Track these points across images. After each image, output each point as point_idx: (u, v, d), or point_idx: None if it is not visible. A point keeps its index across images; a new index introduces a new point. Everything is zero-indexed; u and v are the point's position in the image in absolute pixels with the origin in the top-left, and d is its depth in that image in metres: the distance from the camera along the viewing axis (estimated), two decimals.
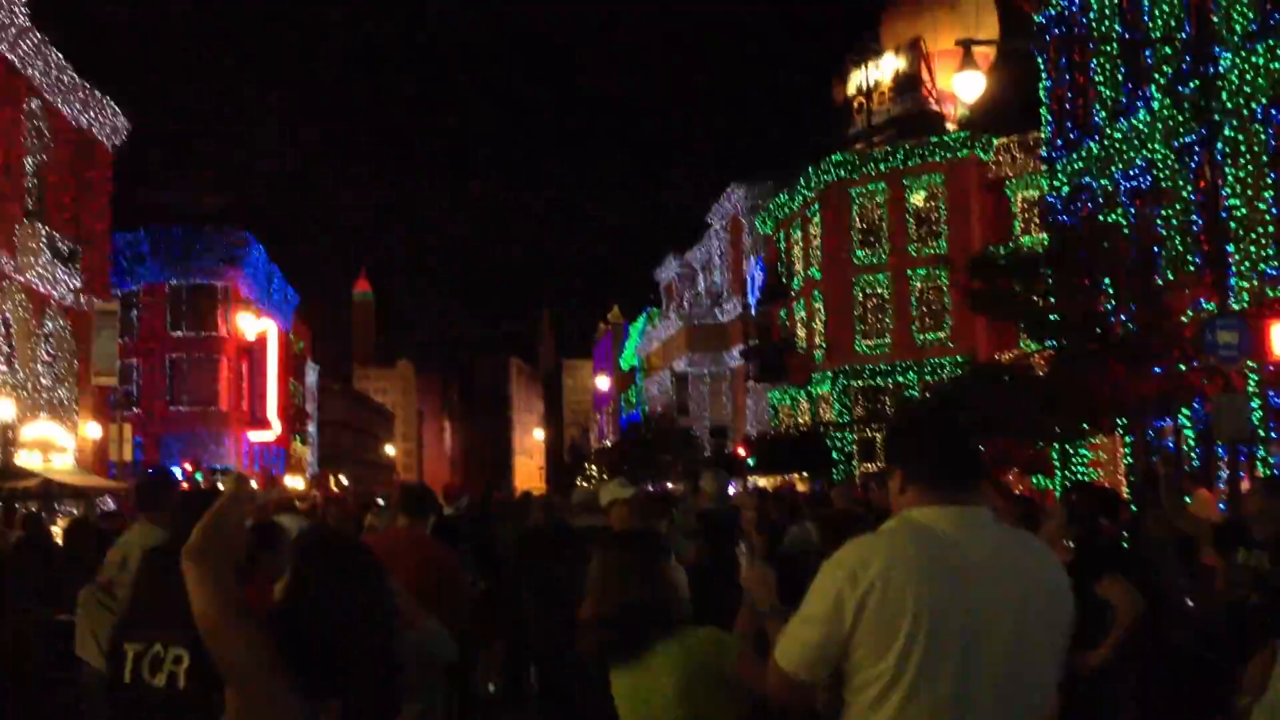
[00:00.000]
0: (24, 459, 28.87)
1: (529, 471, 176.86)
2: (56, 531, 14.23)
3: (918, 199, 41.42)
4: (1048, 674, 2.84)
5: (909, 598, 2.71)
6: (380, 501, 15.35)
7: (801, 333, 45.99)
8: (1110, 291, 21.34)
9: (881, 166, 41.70)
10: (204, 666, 3.58)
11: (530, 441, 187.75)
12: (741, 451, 45.26)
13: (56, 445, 31.51)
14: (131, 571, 6.35)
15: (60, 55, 32.21)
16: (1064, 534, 6.89)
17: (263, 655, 2.83)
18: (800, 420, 45.21)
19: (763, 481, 39.54)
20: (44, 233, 31.31)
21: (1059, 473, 25.69)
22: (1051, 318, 21.71)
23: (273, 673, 2.82)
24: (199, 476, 42.96)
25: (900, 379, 40.56)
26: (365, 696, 2.93)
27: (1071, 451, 25.28)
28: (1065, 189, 27.56)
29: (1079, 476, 24.18)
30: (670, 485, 39.88)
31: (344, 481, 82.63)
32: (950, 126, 42.72)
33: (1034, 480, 27.10)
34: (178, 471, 45.61)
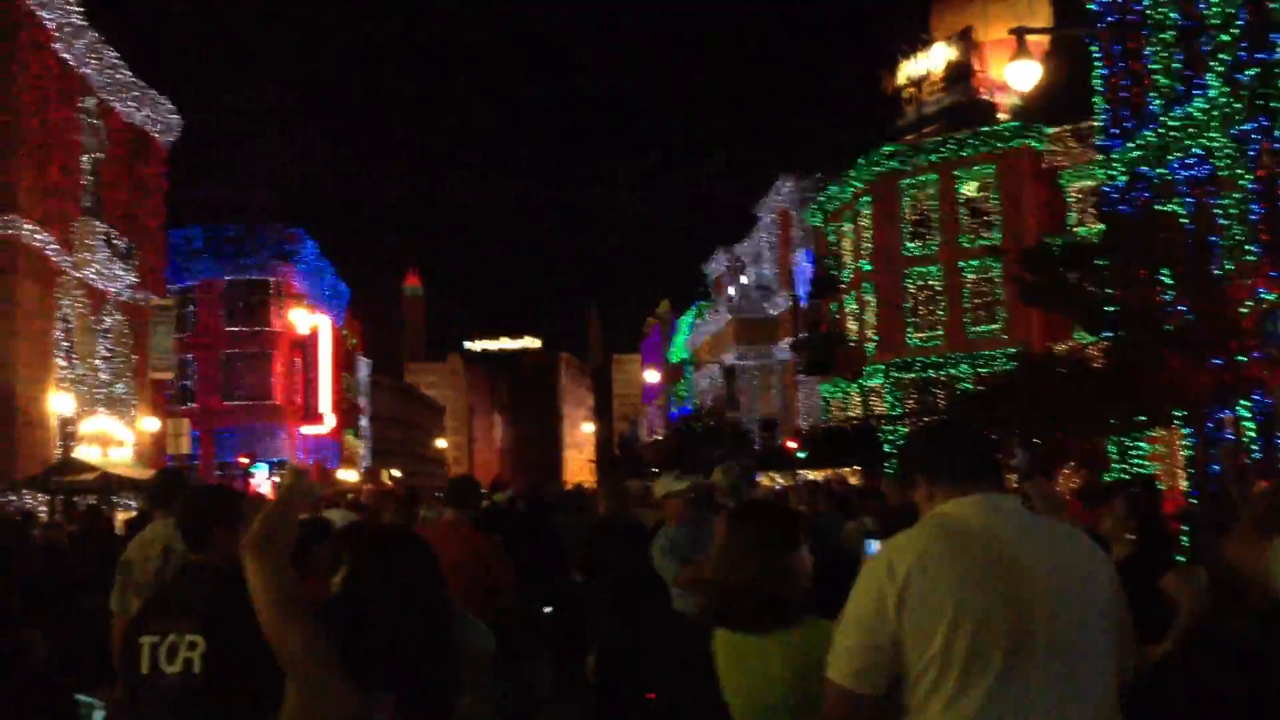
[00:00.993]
0: (83, 453, 29.32)
1: (578, 465, 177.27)
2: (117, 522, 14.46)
3: (970, 190, 41.03)
4: (1101, 651, 2.81)
5: (948, 582, 2.73)
6: (438, 495, 15.44)
7: (852, 325, 45.74)
8: (1167, 282, 21.06)
9: (932, 157, 41.34)
10: (220, 652, 3.62)
11: (580, 435, 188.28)
12: (792, 445, 45.10)
13: (115, 439, 31.97)
14: (143, 565, 6.27)
15: (115, 53, 32.63)
16: (1126, 527, 6.81)
17: (320, 646, 2.85)
18: (852, 413, 44.96)
19: (813, 475, 39.39)
20: (101, 230, 31.75)
21: (1116, 467, 25.38)
22: (1107, 309, 21.45)
23: (330, 664, 2.84)
24: (255, 469, 43.46)
25: (952, 371, 40.23)
26: (421, 688, 2.94)
27: (1129, 445, 24.96)
28: (1121, 178, 27.18)
29: (1136, 470, 23.88)
30: None
31: (396, 475, 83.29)
32: (1002, 116, 42.29)
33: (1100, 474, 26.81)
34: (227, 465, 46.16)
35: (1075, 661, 2.76)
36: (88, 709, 3.11)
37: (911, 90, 43.97)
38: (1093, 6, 27.94)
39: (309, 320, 54.28)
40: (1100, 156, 29.41)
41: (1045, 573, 2.78)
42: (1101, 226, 27.22)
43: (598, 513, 10.67)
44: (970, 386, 37.56)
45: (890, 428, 40.74)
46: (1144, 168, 26.16)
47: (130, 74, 33.93)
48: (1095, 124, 31.31)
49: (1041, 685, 2.72)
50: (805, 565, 3.48)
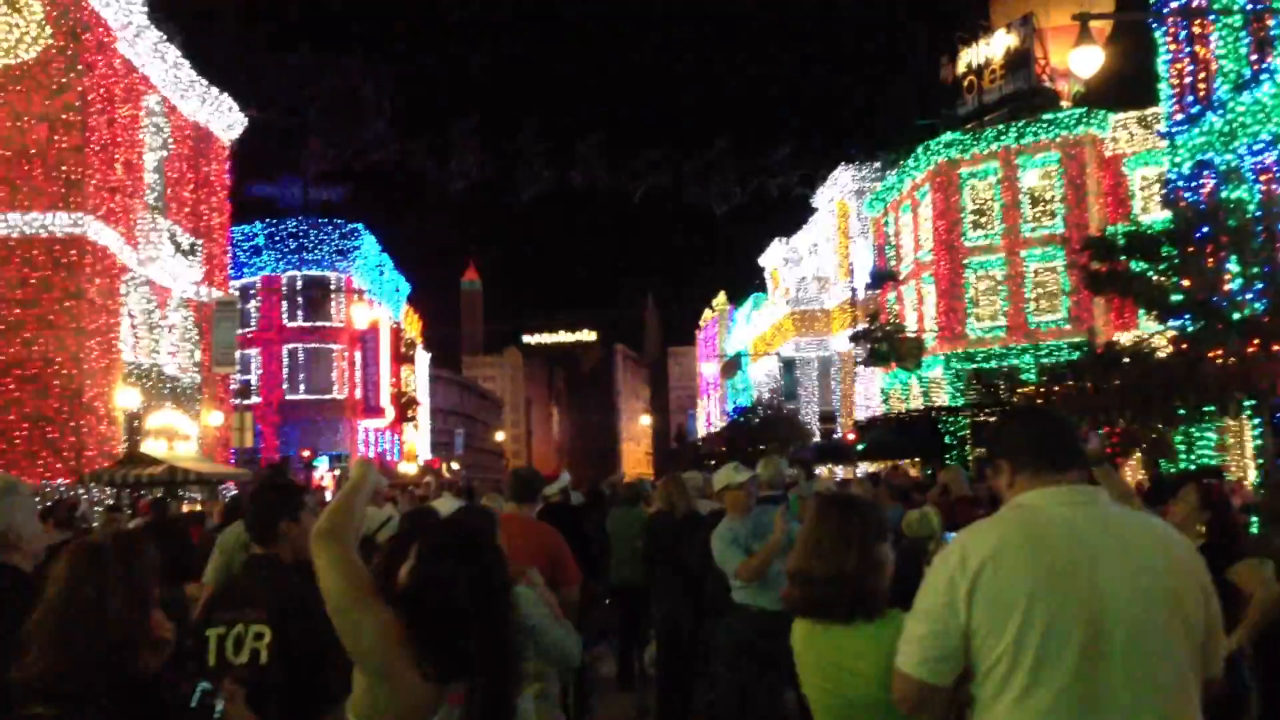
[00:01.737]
0: (149, 446, 29.79)
1: (636, 458, 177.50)
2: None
3: (1032, 178, 40.53)
4: (1182, 651, 2.75)
5: (1021, 577, 2.69)
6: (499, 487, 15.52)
7: (911, 316, 45.38)
8: (1235, 270, 20.72)
9: (993, 146, 40.88)
10: (287, 642, 3.65)
11: (637, 428, 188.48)
12: (851, 437, 44.85)
13: (180, 433, 32.43)
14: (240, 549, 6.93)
15: (178, 52, 33.06)
16: (1196, 519, 6.70)
17: (391, 637, 2.86)
18: (911, 405, 44.61)
19: (872, 468, 39.14)
20: (165, 227, 32.21)
21: (1183, 457, 25.01)
22: (1174, 298, 21.16)
23: (401, 655, 2.85)
24: (316, 463, 43.95)
25: (1014, 362, 39.78)
26: (490, 678, 2.94)
27: (1196, 435, 24.60)
28: (1186, 165, 26.77)
29: (1204, 461, 23.52)
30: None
31: (455, 468, 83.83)
32: (1064, 104, 41.73)
33: (1160, 466, 26.41)
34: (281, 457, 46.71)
35: (1155, 662, 2.70)
36: (208, 694, 3.16)
37: (972, 78, 43.50)
38: None
39: (369, 315, 54.77)
40: (1165, 143, 28.98)
41: (1126, 569, 2.72)
42: (1167, 214, 26.83)
43: (655, 506, 10.69)
44: (1033, 377, 37.15)
45: (950, 419, 40.39)
46: (1210, 154, 25.75)
47: (193, 72, 34.36)
48: (1159, 110, 30.87)
49: (1117, 685, 2.66)
50: (890, 557, 3.46)
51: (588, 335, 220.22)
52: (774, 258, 68.86)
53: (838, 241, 56.40)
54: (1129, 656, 2.67)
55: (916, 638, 2.83)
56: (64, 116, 26.88)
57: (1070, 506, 2.83)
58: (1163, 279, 21.63)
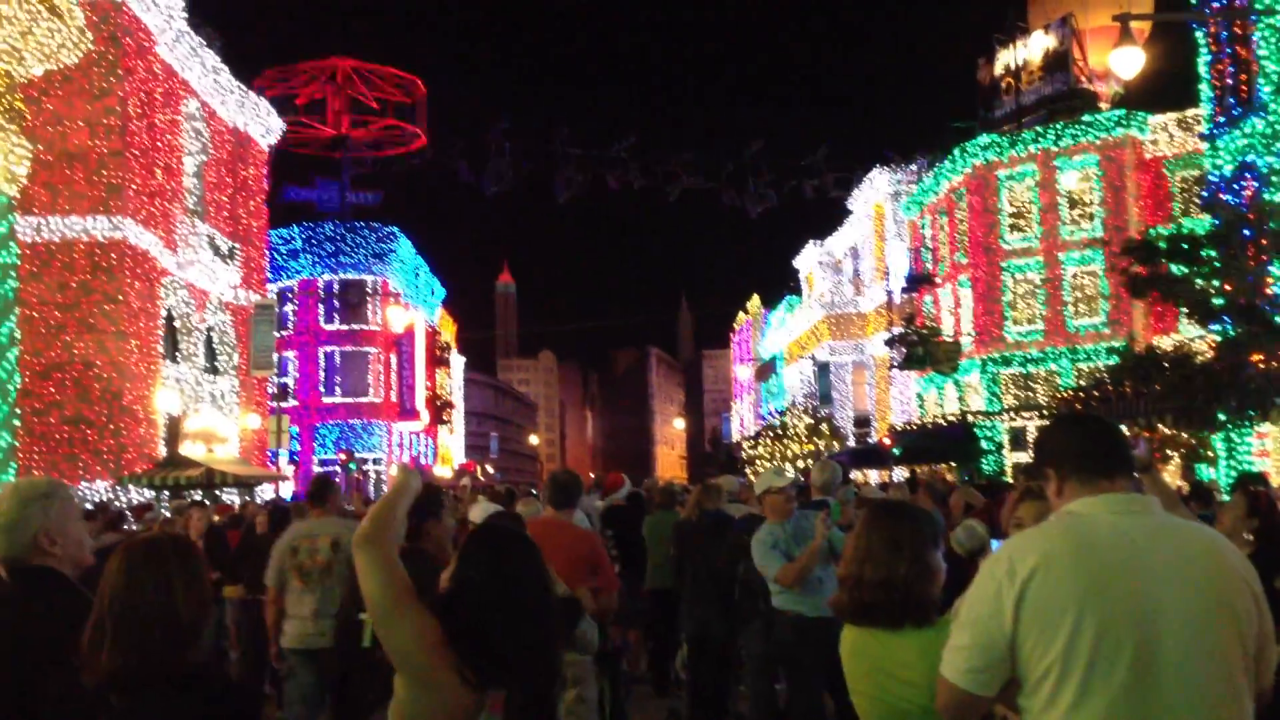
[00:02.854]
0: (188, 449, 29.99)
1: (670, 461, 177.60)
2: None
3: (1070, 181, 40.23)
4: (1235, 662, 2.70)
5: (1070, 586, 2.65)
6: (534, 491, 15.53)
7: (948, 320, 45.14)
8: (1277, 273, 20.49)
9: (1031, 148, 40.60)
10: None
11: (671, 431, 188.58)
12: (887, 441, 44.65)
13: (218, 436, 32.64)
14: (307, 556, 7.72)
15: (217, 57, 33.32)
16: (1244, 525, 6.61)
17: (432, 642, 2.85)
18: (947, 409, 44.37)
19: (908, 473, 38.97)
20: (204, 231, 32.46)
21: (1224, 462, 24.74)
22: (1216, 301, 20.94)
23: (443, 660, 2.85)
24: (352, 467, 44.17)
25: (1053, 366, 39.49)
26: (529, 683, 2.93)
27: (1237, 440, 24.33)
28: (1228, 167, 26.49)
29: (1245, 466, 23.25)
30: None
31: (490, 471, 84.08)
32: (1103, 105, 41.41)
33: (1197, 471, 26.15)
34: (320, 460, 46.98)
35: (1207, 673, 2.65)
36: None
37: (1009, 80, 43.23)
38: None
39: (405, 318, 54.98)
40: (1206, 145, 28.70)
41: (1178, 579, 2.68)
42: (1207, 217, 26.56)
43: (685, 512, 10.67)
44: (1071, 381, 36.88)
45: (987, 424, 40.16)
46: (1252, 156, 25.46)
47: (232, 77, 34.62)
48: (1200, 112, 30.56)
49: (1170, 696, 2.62)
50: (942, 565, 3.44)
51: (622, 338, 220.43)
52: (809, 260, 68.65)
53: (873, 244, 56.18)
54: (1181, 667, 2.63)
55: (961, 646, 2.80)
56: (104, 121, 27.12)
57: (1121, 515, 2.78)
58: (1204, 282, 21.42)
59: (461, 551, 3.10)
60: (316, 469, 47.81)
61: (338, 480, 27.52)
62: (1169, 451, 26.73)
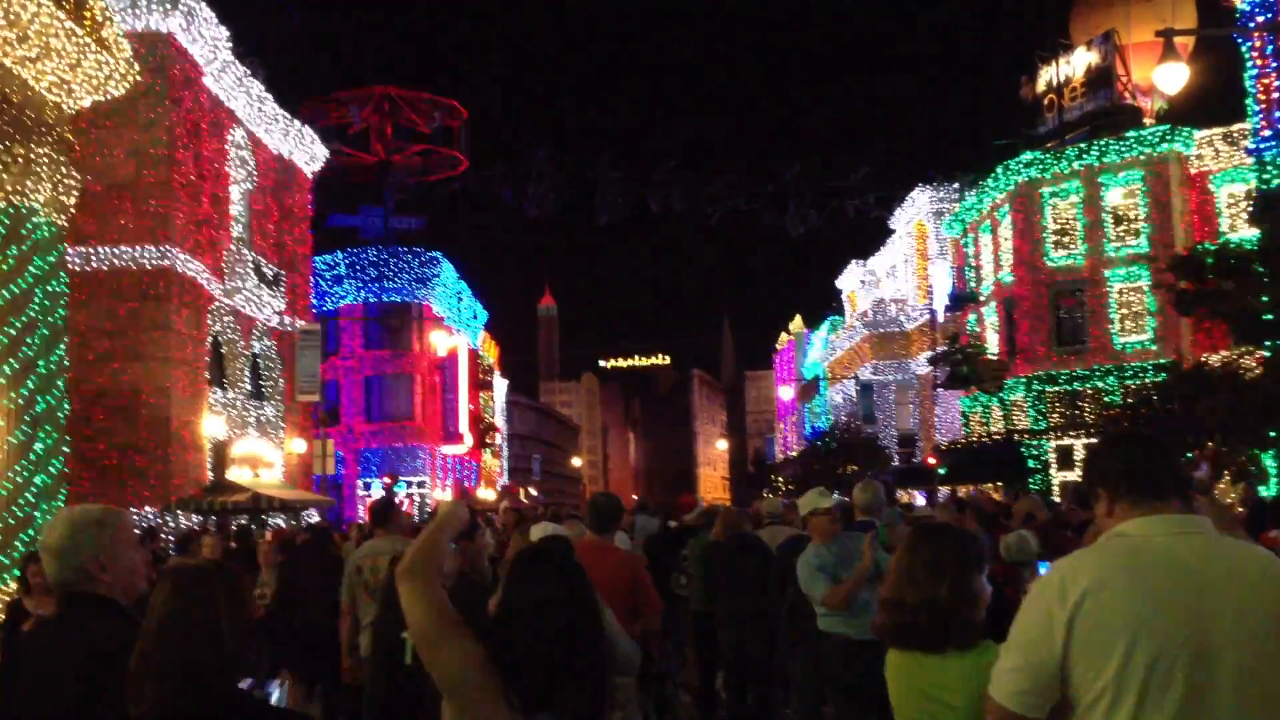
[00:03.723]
0: (234, 474, 30.26)
1: (713, 482, 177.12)
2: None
3: (1115, 197, 39.89)
4: None
5: (1123, 609, 2.61)
6: (575, 515, 15.54)
7: (992, 338, 44.82)
8: None
9: (1075, 165, 40.32)
10: None
11: (713, 452, 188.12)
12: (932, 461, 44.35)
13: (264, 460, 32.90)
14: (370, 574, 8.01)
15: (261, 87, 33.74)
16: None
17: (477, 667, 2.85)
18: (993, 428, 44.01)
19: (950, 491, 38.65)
20: (250, 258, 32.79)
21: (1275, 480, 24.38)
22: (1265, 317, 20.68)
23: (488, 685, 2.84)
24: (398, 488, 44.36)
25: (1099, 384, 39.08)
26: (575, 708, 2.92)
27: None
28: (1275, 181, 26.20)
29: None
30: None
31: (533, 493, 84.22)
32: (1147, 120, 41.06)
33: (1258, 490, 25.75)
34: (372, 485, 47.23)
35: (1264, 697, 2.61)
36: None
37: (1052, 96, 42.99)
38: (1243, 6, 27.00)
39: (448, 342, 55.30)
40: (1252, 160, 28.40)
41: (1233, 601, 2.63)
42: (1254, 232, 26.27)
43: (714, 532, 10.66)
44: (1118, 400, 36.48)
45: (1033, 443, 39.79)
46: None
47: (277, 106, 35.03)
48: (1246, 127, 30.26)
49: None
50: (986, 587, 3.40)
51: (663, 360, 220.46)
52: (851, 280, 68.50)
53: (916, 263, 55.97)
54: (1237, 690, 2.59)
55: (1011, 668, 2.77)
56: (152, 151, 27.51)
57: (1174, 536, 2.74)
58: (1252, 298, 21.16)
59: (509, 574, 3.10)
60: (361, 493, 48.09)
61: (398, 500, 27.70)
62: (1220, 470, 26.37)
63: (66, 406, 15.46)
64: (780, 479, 57.83)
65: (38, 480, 14.92)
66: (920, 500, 40.94)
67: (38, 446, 14.87)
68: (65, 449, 15.44)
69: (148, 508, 26.06)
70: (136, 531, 3.93)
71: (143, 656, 2.85)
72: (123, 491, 26.21)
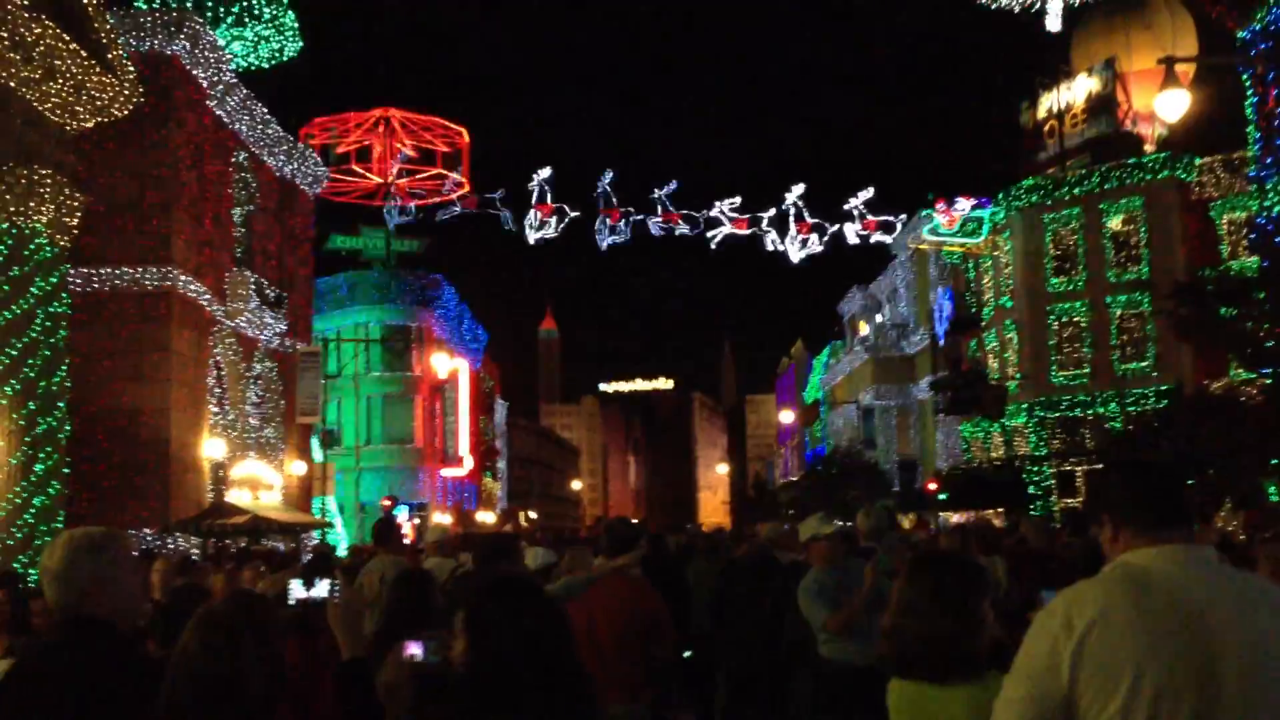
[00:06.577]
0: (234, 496, 30.19)
1: (713, 506, 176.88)
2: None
3: (1116, 223, 39.98)
4: None
5: (1130, 642, 2.59)
6: (572, 539, 15.49)
7: (993, 364, 44.82)
8: None
9: (1076, 191, 40.42)
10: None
11: (714, 476, 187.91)
12: (933, 486, 44.25)
13: (264, 483, 32.83)
14: (375, 592, 7.87)
15: (264, 109, 33.83)
16: None
17: None
18: (994, 454, 43.95)
19: (955, 518, 38.55)
20: (252, 280, 32.80)
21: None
22: (1267, 344, 20.66)
23: None
24: (397, 512, 44.28)
25: (1100, 410, 39.05)
26: None
27: None
28: (1277, 209, 26.22)
29: None
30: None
31: (533, 516, 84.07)
32: (1148, 147, 41.18)
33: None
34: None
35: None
36: None
37: (1053, 123, 43.12)
38: (1244, 34, 27.08)
39: (448, 364, 55.31)
40: (1254, 187, 28.43)
41: (1238, 634, 2.61)
42: (1255, 259, 26.27)
43: (732, 555, 10.60)
44: (1119, 425, 36.43)
45: (1034, 468, 39.74)
46: None
47: (279, 129, 35.12)
48: (1247, 154, 30.32)
49: None
50: (990, 616, 3.38)
51: (664, 383, 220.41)
52: (852, 305, 68.47)
53: (917, 288, 55.97)
54: (1237, 717, 2.56)
55: (1015, 699, 2.74)
56: (155, 173, 27.55)
57: (1179, 566, 2.72)
58: (1254, 325, 21.16)
59: (474, 617, 2.92)
60: (361, 515, 48.02)
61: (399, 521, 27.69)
62: (1220, 497, 26.31)
63: (68, 428, 15.47)
64: (786, 502, 57.70)
65: (37, 501, 14.91)
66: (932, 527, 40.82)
67: (38, 468, 14.88)
68: (65, 470, 15.45)
69: (146, 530, 26.00)
70: (135, 554, 3.90)
71: (169, 698, 2.81)
72: (122, 513, 26.14)
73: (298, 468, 36.23)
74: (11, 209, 14.28)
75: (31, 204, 14.77)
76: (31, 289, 14.92)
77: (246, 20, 33.14)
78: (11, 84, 14.09)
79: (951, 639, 3.28)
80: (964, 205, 44.49)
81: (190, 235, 28.70)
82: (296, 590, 3.84)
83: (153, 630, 6.20)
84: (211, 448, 29.52)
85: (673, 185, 45.41)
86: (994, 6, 38.83)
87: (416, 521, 45.67)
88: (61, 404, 15.25)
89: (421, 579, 5.57)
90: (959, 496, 40.26)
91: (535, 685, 2.77)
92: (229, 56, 30.84)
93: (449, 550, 11.29)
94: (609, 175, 45.27)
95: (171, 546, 25.10)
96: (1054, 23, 38.95)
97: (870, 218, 45.77)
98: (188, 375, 28.33)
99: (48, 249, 15.20)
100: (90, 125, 16.62)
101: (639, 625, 6.26)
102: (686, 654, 11.41)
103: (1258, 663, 2.59)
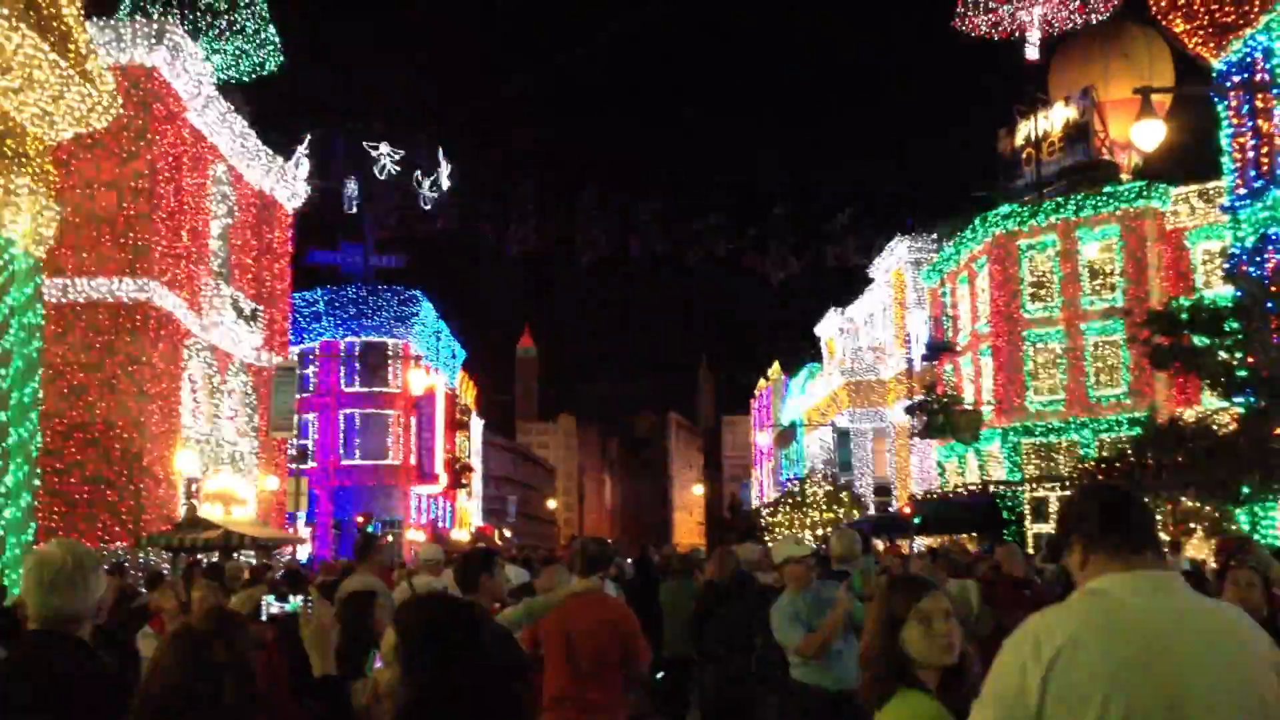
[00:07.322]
0: (206, 511, 29.98)
1: (688, 527, 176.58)
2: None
3: (1091, 251, 40.27)
4: None
5: (1099, 669, 2.60)
6: (547, 559, 15.43)
7: (968, 389, 44.98)
8: None
9: (1052, 218, 40.70)
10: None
11: (689, 497, 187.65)
12: (907, 510, 44.31)
13: (237, 497, 32.64)
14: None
15: (244, 122, 33.75)
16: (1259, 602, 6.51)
17: None
18: (969, 479, 44.08)
19: (928, 542, 38.59)
20: (228, 293, 32.67)
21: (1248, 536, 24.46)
22: (1239, 373, 20.84)
23: None
24: (370, 529, 44.08)
25: (1074, 436, 39.25)
26: None
27: (1261, 514, 24.08)
28: (1250, 239, 26.49)
29: (1271, 541, 22.99)
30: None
31: (507, 535, 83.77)
32: (1124, 176, 41.53)
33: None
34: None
35: None
36: None
37: (1030, 151, 43.47)
38: (1219, 66, 27.40)
39: (425, 381, 55.19)
40: (1228, 217, 28.73)
41: (1205, 660, 2.64)
42: (1229, 289, 26.50)
43: (707, 576, 10.59)
44: (1093, 452, 36.62)
45: (1008, 493, 39.85)
46: (1274, 228, 25.47)
47: (259, 142, 35.03)
48: (1221, 184, 30.64)
49: None
50: (958, 638, 3.41)
51: (642, 403, 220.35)
52: (829, 327, 68.68)
53: (894, 312, 56.20)
54: None
55: None
56: (132, 184, 27.43)
57: (1146, 594, 2.74)
58: (1227, 354, 21.35)
59: (405, 654, 2.75)
60: (334, 531, 47.77)
61: (384, 541, 27.52)
62: (1192, 525, 26.47)
63: (39, 440, 15.36)
64: (766, 523, 57.66)
65: (8, 513, 14.77)
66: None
67: (9, 479, 14.75)
68: (36, 482, 15.33)
69: (118, 544, 25.79)
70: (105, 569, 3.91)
71: (139, 716, 2.78)
72: (93, 526, 25.96)
73: (271, 483, 36.04)
74: None
75: (7, 214, 14.68)
76: (6, 299, 14.82)
77: (228, 35, 33.15)
78: None
79: (895, 658, 3.35)
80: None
81: (167, 248, 28.56)
82: (271, 605, 3.83)
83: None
84: (185, 461, 29.31)
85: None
86: (974, 35, 39.14)
87: (389, 539, 45.48)
88: (34, 415, 15.13)
89: (360, 600, 5.60)
90: (933, 521, 40.29)
91: (466, 715, 2.67)
92: (209, 69, 30.77)
93: (436, 569, 11.25)
94: (589, 193, 45.37)
95: (143, 561, 24.91)
96: (1032, 52, 39.37)
97: (848, 243, 46.01)
98: (161, 388, 28.16)
99: (23, 259, 15.11)
100: (69, 136, 16.53)
101: (616, 644, 6.26)
102: (659, 675, 11.41)
103: (1224, 690, 2.61)
